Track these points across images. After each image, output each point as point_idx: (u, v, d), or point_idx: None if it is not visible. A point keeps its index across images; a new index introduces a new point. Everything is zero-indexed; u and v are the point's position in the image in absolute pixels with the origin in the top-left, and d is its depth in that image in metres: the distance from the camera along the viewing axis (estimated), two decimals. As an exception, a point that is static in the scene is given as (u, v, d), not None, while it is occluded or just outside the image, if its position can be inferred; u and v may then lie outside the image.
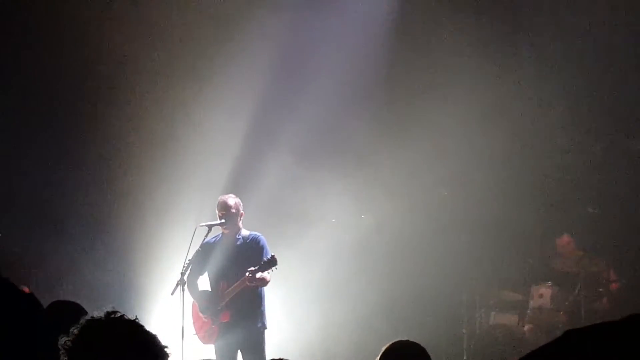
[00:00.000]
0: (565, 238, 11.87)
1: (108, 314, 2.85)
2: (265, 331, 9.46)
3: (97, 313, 2.88)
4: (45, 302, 10.18)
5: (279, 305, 11.35)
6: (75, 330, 2.82)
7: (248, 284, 9.15)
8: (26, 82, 11.63)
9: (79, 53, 11.72)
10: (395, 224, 12.35)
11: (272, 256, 9.21)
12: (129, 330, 2.81)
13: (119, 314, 2.86)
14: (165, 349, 2.86)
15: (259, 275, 9.14)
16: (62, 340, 2.80)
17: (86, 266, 11.27)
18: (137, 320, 2.87)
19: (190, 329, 9.50)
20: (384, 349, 4.55)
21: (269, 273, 9.23)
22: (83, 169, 11.93)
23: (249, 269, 9.11)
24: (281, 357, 4.40)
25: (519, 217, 12.04)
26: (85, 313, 4.92)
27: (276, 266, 9.18)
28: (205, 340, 9.54)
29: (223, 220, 9.43)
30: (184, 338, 9.15)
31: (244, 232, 9.58)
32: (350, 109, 12.25)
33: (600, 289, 11.36)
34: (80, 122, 11.90)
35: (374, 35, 12.22)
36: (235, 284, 9.26)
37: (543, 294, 11.53)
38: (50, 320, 3.29)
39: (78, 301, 5.32)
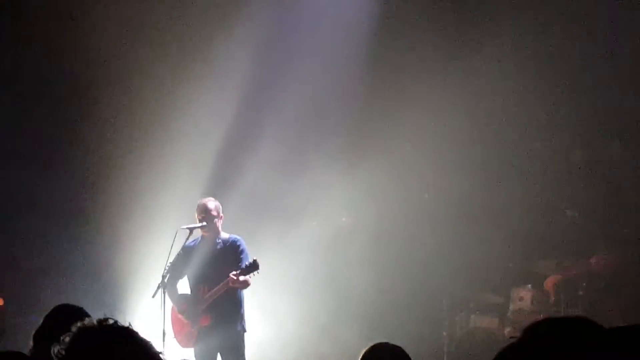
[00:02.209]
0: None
1: (100, 321, 2.80)
2: (245, 334, 9.47)
3: (88, 320, 2.82)
4: (24, 303, 10.14)
5: (259, 307, 11.35)
6: (66, 339, 2.76)
7: (231, 285, 9.14)
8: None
9: (54, 47, 11.64)
10: (376, 226, 12.36)
11: (254, 260, 9.20)
12: (123, 338, 2.77)
13: (112, 321, 2.81)
14: (160, 355, 2.84)
15: (242, 278, 9.14)
16: (55, 348, 2.75)
17: (68, 267, 11.20)
18: (130, 327, 2.83)
19: (169, 332, 9.47)
20: (364, 351, 4.54)
21: (250, 277, 9.22)
22: (66, 169, 11.87)
23: (232, 273, 9.11)
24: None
25: (499, 220, 12.06)
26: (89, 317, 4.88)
27: (258, 270, 9.18)
28: (183, 343, 9.52)
29: (204, 223, 9.42)
30: (165, 341, 9.13)
31: (224, 235, 9.58)
32: (333, 111, 12.24)
33: (580, 292, 11.38)
34: (62, 122, 11.83)
35: (355, 35, 12.23)
36: (216, 288, 9.25)
37: (523, 296, 11.54)
38: (55, 326, 3.22)
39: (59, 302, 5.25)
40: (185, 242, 9.44)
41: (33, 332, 4.46)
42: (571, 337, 1.30)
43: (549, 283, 11.74)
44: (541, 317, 11.10)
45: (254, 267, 9.17)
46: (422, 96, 11.83)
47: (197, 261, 9.48)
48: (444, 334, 11.86)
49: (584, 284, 11.40)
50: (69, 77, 11.79)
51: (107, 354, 2.69)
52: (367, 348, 4.55)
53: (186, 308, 9.45)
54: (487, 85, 12.05)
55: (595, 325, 1.39)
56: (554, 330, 1.35)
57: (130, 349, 2.74)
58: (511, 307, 11.63)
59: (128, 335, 2.78)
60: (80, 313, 4.81)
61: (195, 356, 9.41)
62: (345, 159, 12.23)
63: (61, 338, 2.74)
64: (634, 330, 1.30)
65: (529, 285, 11.63)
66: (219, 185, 11.37)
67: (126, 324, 2.84)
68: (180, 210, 10.70)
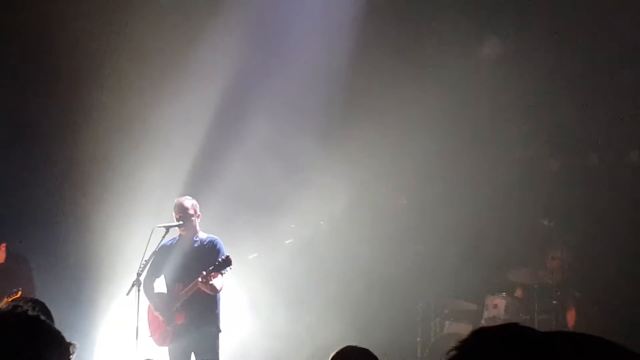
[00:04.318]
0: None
1: (14, 307, 2.84)
2: (220, 335, 9.45)
3: (5, 306, 2.86)
4: (-1, 299, 10.05)
5: (236, 310, 11.36)
6: None
7: (200, 285, 9.13)
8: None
9: (35, 40, 11.59)
10: (353, 231, 12.39)
11: (227, 256, 9.19)
12: (30, 326, 2.80)
13: (23, 309, 2.85)
14: (72, 347, 2.86)
15: (212, 281, 9.12)
16: None
17: (41, 264, 11.14)
18: (39, 317, 2.86)
19: (145, 330, 9.46)
20: (332, 354, 4.55)
21: (222, 275, 9.20)
22: (41, 166, 11.82)
23: (204, 270, 9.09)
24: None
25: (475, 227, 12.11)
26: (49, 312, 4.88)
27: (230, 266, 9.17)
28: (160, 342, 9.50)
29: (181, 222, 9.42)
30: (139, 338, 9.11)
31: (202, 235, 9.58)
32: (310, 115, 12.23)
33: (555, 302, 11.45)
34: (39, 119, 11.78)
35: (338, 35, 12.23)
36: (189, 285, 9.23)
37: (497, 304, 11.60)
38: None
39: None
40: (162, 240, 9.43)
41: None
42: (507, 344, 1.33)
43: (519, 291, 11.82)
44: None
45: (226, 263, 9.14)
46: (403, 103, 11.86)
47: (174, 259, 9.48)
48: (418, 339, 11.90)
49: (558, 293, 11.47)
50: (49, 75, 11.74)
51: (7, 339, 2.73)
52: (335, 351, 4.57)
53: (162, 306, 9.44)
54: (468, 93, 12.10)
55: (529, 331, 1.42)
56: (490, 339, 1.38)
57: (35, 338, 2.78)
58: (485, 314, 11.70)
59: (35, 324, 2.81)
60: (44, 309, 4.80)
61: (170, 355, 9.40)
62: (322, 167, 12.20)
63: None
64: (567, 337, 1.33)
65: (504, 293, 11.69)
66: (199, 183, 11.37)
67: (35, 314, 2.87)
68: (159, 209, 10.69)
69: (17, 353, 2.70)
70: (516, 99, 12.20)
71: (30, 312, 2.84)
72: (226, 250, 9.45)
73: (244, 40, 11.93)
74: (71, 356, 2.83)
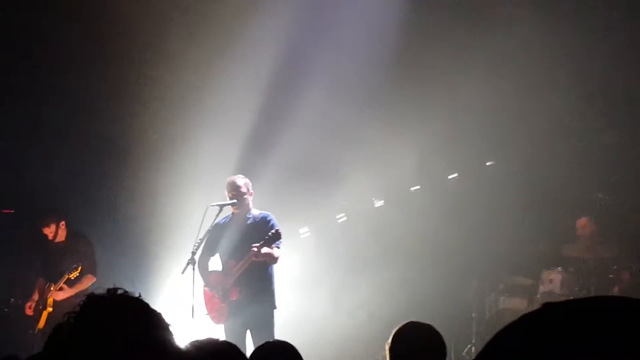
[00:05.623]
0: (584, 220, 11.76)
1: (110, 290, 2.81)
2: (275, 311, 9.47)
3: (98, 291, 2.82)
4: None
5: (292, 286, 11.39)
6: (76, 308, 2.78)
7: (254, 259, 9.16)
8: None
9: (87, 26, 11.65)
10: (408, 208, 12.35)
11: (277, 230, 9.22)
12: (134, 308, 2.78)
13: (121, 291, 2.82)
14: (170, 327, 2.83)
15: (265, 250, 9.15)
16: (65, 317, 2.76)
17: (98, 245, 11.26)
18: (141, 298, 2.84)
19: (202, 309, 9.52)
20: (395, 329, 4.57)
21: (278, 248, 9.24)
22: (100, 146, 11.93)
23: (254, 245, 9.12)
24: (290, 339, 4.40)
25: (530, 201, 12.02)
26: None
27: (281, 240, 9.19)
28: (216, 320, 9.55)
29: (234, 201, 9.45)
30: (194, 317, 9.17)
31: (255, 212, 9.60)
32: (362, 94, 12.13)
33: (611, 275, 11.34)
34: (92, 103, 11.86)
35: (384, 18, 12.12)
36: (242, 261, 9.27)
37: (553, 279, 11.51)
38: None
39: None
40: (216, 219, 9.47)
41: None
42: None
43: (575, 266, 11.66)
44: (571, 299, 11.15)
45: (275, 237, 9.18)
46: (453, 79, 11.76)
47: (228, 237, 9.51)
48: (473, 314, 11.87)
49: (615, 267, 11.36)
50: (104, 54, 11.79)
51: (118, 322, 2.69)
52: (398, 327, 4.58)
53: (216, 283, 9.49)
54: (520, 69, 11.96)
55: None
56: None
57: (141, 318, 2.74)
58: (541, 289, 11.62)
59: (139, 305, 2.78)
60: None
61: (225, 332, 9.42)
62: (376, 145, 12.14)
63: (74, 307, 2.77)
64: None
65: (559, 268, 11.60)
66: (251, 158, 11.39)
67: (136, 295, 2.84)
68: (211, 188, 10.73)
69: (130, 335, 2.68)
70: (572, 70, 12.03)
71: (129, 293, 2.82)
72: (279, 225, 9.47)
73: (297, 11, 11.84)
74: (173, 337, 2.80)
